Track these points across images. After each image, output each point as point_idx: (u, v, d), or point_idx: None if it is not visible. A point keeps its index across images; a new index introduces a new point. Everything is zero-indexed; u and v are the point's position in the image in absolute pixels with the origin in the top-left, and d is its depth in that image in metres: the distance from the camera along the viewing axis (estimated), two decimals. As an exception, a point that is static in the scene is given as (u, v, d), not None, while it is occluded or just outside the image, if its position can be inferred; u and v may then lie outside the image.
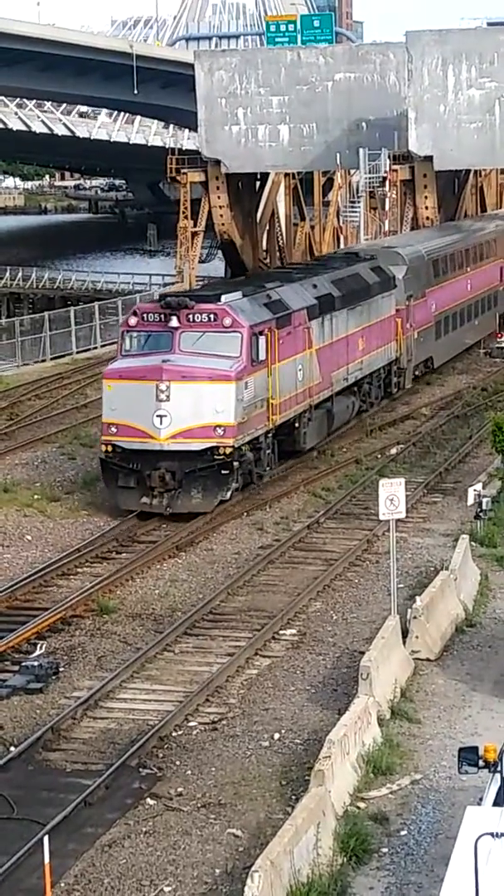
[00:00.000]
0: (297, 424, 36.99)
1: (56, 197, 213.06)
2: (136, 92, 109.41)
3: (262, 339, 33.75)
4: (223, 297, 33.71)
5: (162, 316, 33.14)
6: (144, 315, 33.61)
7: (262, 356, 33.82)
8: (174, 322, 32.83)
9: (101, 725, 21.32)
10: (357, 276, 43.36)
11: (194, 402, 32.08)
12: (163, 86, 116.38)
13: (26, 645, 24.69)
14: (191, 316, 32.93)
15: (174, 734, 20.90)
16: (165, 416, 31.94)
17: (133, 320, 33.74)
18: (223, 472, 32.23)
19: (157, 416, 31.96)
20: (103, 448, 32.83)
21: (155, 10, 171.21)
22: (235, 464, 32.46)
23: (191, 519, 31.83)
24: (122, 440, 32.41)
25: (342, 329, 40.62)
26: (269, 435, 34.80)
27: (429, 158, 66.82)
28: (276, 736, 20.79)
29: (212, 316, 32.98)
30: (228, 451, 32.12)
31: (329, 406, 39.62)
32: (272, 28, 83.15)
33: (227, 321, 32.89)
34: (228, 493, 32.59)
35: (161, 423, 31.94)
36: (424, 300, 50.03)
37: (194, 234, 72.69)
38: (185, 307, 32.96)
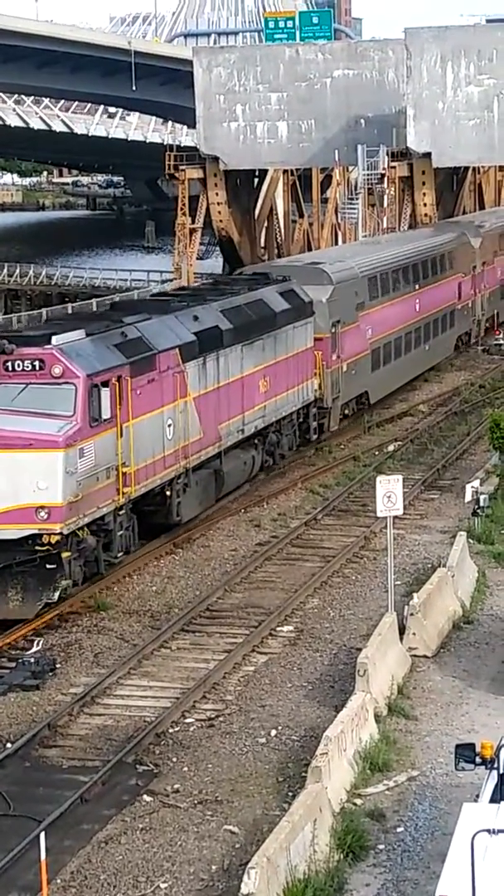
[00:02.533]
0: (168, 493, 29.66)
1: (54, 193, 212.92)
2: (134, 89, 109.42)
3: (106, 392, 26.51)
4: (54, 339, 26.43)
5: None
6: None
7: (106, 413, 26.50)
8: None
9: (98, 722, 21.32)
10: (259, 302, 35.41)
11: (9, 476, 24.94)
12: (161, 82, 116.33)
13: (23, 641, 24.69)
14: (10, 363, 25.85)
15: (171, 731, 20.89)
16: None
17: None
18: (49, 566, 25.15)
19: None
20: None
21: (153, 7, 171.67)
22: (67, 554, 25.42)
23: (11, 626, 25.18)
24: None
25: (235, 370, 33.01)
26: (123, 511, 27.58)
27: (427, 155, 66.92)
28: (273, 733, 20.78)
29: (37, 363, 25.80)
30: (55, 539, 24.95)
31: (217, 465, 32.14)
32: (271, 25, 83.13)
33: (57, 369, 25.77)
34: (56, 594, 25.41)
35: None
36: (357, 326, 42.30)
37: (192, 231, 72.71)
38: (2, 352, 25.96)
